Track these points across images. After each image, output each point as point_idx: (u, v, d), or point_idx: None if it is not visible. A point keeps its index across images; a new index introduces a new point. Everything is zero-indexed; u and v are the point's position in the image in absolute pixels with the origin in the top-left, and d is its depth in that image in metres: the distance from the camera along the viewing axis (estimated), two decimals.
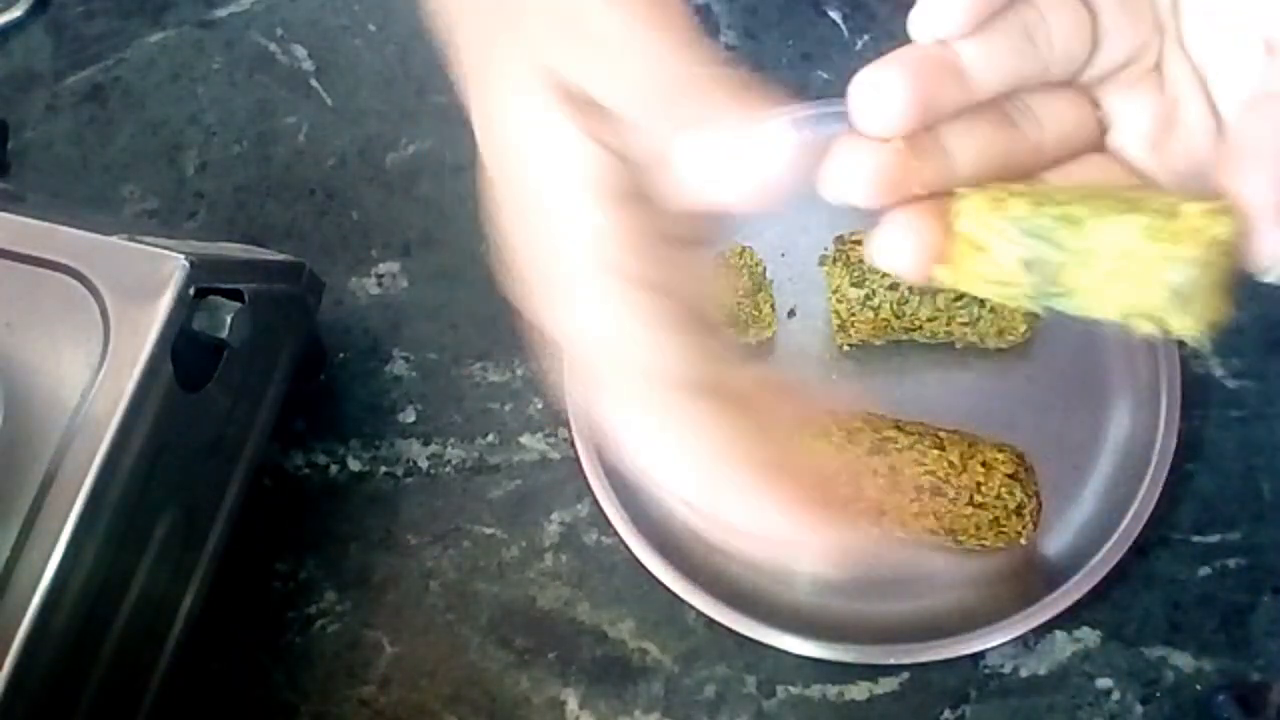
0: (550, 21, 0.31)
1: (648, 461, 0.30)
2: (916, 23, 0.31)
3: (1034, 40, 0.31)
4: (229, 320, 0.49)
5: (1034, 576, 0.56)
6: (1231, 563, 0.57)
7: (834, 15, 0.71)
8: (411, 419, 0.63)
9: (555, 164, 0.31)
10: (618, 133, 0.31)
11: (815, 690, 0.56)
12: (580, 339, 0.31)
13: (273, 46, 0.72)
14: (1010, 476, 0.55)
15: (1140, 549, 0.56)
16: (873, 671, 0.56)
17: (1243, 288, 0.60)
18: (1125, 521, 0.56)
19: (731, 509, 0.29)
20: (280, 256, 0.60)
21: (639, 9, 0.30)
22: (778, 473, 0.29)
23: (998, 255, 0.30)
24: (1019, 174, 0.32)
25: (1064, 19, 0.31)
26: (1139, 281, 0.29)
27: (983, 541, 0.55)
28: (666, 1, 0.31)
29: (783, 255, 0.64)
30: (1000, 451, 0.55)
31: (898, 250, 0.31)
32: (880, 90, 0.30)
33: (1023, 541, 0.55)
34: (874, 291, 0.59)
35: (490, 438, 0.62)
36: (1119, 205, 0.29)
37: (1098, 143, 0.34)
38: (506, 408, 0.63)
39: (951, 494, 0.54)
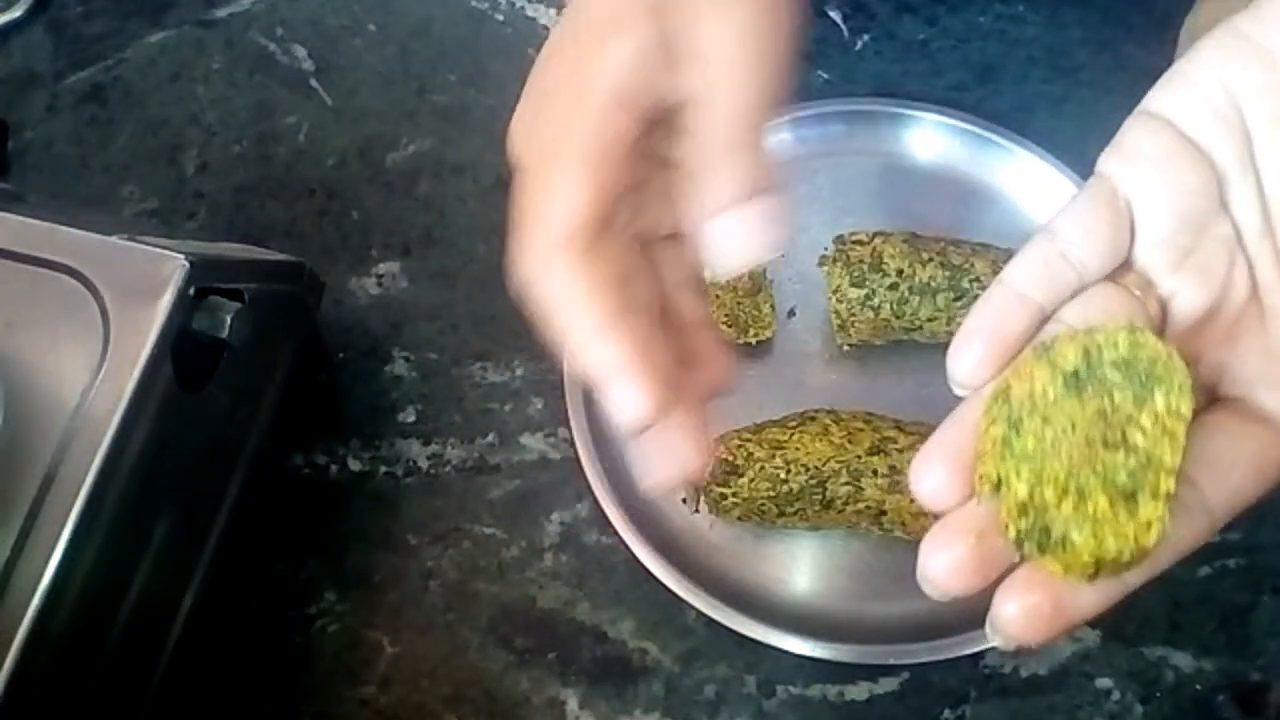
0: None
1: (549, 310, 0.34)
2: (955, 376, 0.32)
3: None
4: (229, 320, 0.49)
5: None
6: (1231, 563, 0.57)
7: (834, 15, 0.71)
8: (411, 419, 0.63)
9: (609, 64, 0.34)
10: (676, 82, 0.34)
11: (815, 690, 0.56)
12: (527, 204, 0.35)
13: (273, 46, 0.72)
14: None
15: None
16: (873, 671, 0.56)
17: None
18: None
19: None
20: (280, 256, 0.60)
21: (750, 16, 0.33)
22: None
23: None
24: None
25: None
26: None
27: None
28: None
29: (782, 255, 0.64)
30: None
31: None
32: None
33: None
34: (874, 291, 0.59)
35: (490, 438, 0.62)
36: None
37: None
38: (506, 408, 0.63)
39: None
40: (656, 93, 0.34)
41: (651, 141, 0.35)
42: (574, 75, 0.34)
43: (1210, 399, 0.32)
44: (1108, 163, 0.33)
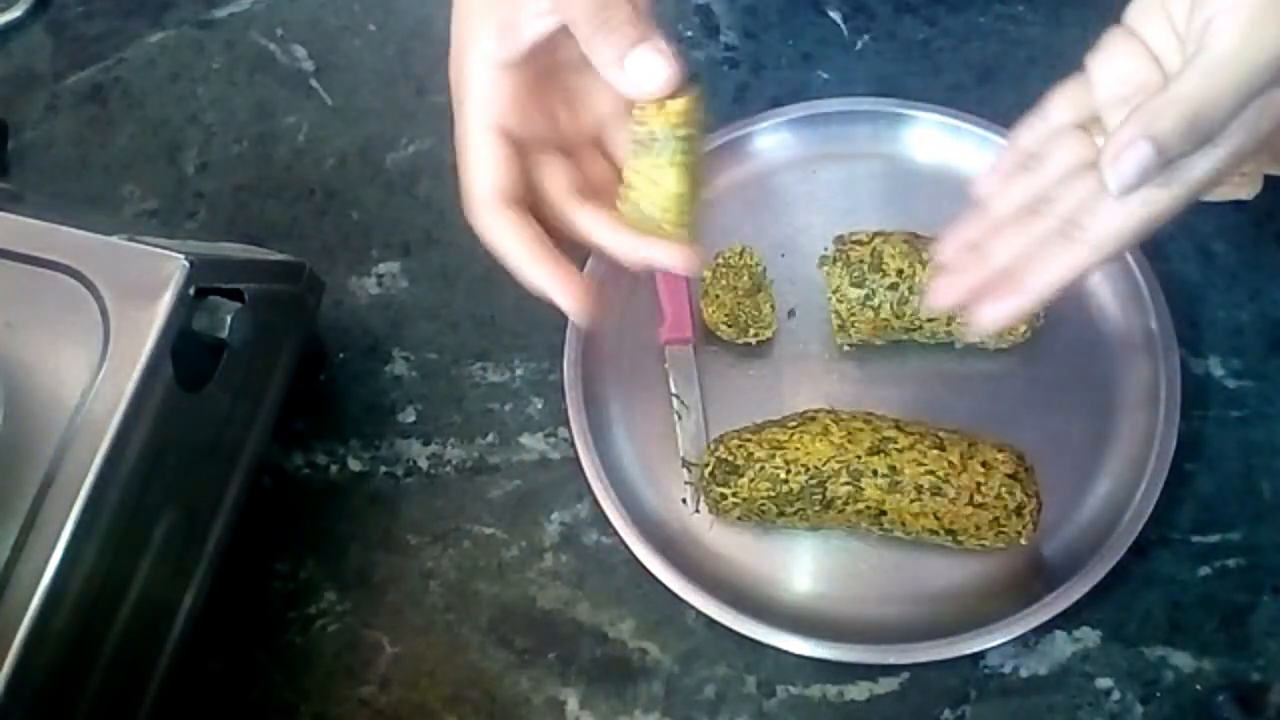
0: None
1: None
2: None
3: None
4: (229, 320, 0.49)
5: (1034, 576, 0.56)
6: (1231, 563, 0.57)
7: (834, 15, 0.71)
8: (411, 419, 0.63)
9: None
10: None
11: (815, 690, 0.56)
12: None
13: (273, 46, 0.72)
14: (1010, 476, 0.55)
15: (1140, 549, 0.56)
16: (873, 671, 0.56)
17: (1242, 288, 0.60)
18: (1125, 521, 0.56)
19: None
20: (280, 256, 0.60)
21: None
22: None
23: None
24: None
25: None
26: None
27: (983, 541, 0.55)
28: None
29: (782, 255, 0.64)
30: (1000, 451, 0.55)
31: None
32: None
33: (1023, 541, 0.55)
34: (874, 291, 0.59)
35: (490, 438, 0.62)
36: None
37: None
38: (506, 408, 0.63)
39: (951, 494, 0.54)
40: (525, 41, 0.44)
41: (562, 57, 0.46)
42: (462, 42, 0.45)
43: None
44: (1089, 60, 0.45)
